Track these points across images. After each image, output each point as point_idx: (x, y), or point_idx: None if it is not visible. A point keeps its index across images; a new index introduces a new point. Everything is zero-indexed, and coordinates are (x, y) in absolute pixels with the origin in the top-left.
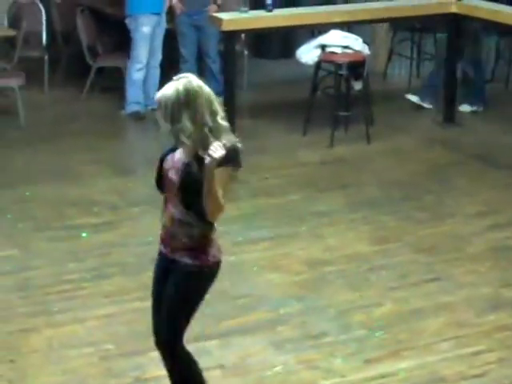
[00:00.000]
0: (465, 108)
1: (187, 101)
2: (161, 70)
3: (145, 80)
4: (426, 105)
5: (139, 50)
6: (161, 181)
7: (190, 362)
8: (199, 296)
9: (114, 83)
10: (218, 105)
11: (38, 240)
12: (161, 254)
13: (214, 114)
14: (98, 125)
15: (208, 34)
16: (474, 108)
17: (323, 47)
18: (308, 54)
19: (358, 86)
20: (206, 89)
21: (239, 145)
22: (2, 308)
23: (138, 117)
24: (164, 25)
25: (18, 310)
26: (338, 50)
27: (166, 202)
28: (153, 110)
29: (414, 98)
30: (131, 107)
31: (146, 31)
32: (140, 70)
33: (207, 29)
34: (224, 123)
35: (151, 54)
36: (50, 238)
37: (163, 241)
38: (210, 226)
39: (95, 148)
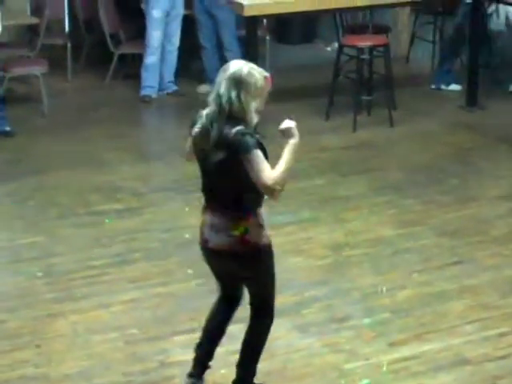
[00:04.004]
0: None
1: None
2: (180, 55)
3: (160, 64)
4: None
5: (150, 34)
6: None
7: None
8: None
9: (136, 70)
10: None
11: (63, 226)
12: None
13: None
14: (121, 112)
15: (220, 21)
16: None
17: None
18: None
19: None
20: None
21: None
22: (27, 294)
23: (144, 100)
24: (180, 9)
25: (43, 296)
26: None
27: None
28: (168, 94)
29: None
30: (144, 91)
31: (156, 15)
32: (152, 54)
33: (219, 16)
34: None
35: (167, 38)
36: (74, 225)
37: None
38: None
39: (118, 135)
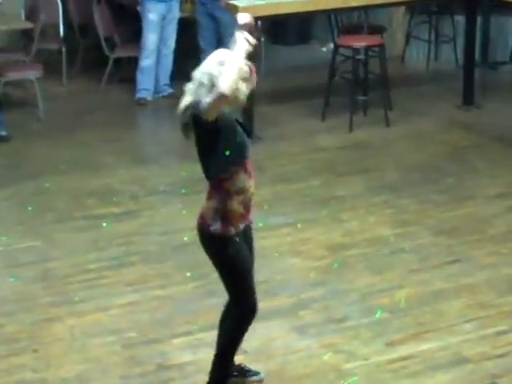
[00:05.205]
0: None
1: None
2: (176, 58)
3: (156, 67)
4: None
5: (146, 37)
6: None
7: None
8: None
9: (131, 73)
10: None
11: (60, 231)
12: (244, 227)
13: None
14: (117, 115)
15: (223, 23)
16: None
17: None
18: None
19: None
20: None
21: None
22: (24, 298)
23: (140, 103)
24: (176, 12)
25: (40, 300)
26: None
27: (247, 168)
28: (163, 97)
29: None
30: (139, 94)
31: (152, 18)
32: (147, 57)
33: (222, 18)
34: None
35: (163, 41)
36: (71, 229)
37: (248, 210)
38: None
39: (114, 138)
